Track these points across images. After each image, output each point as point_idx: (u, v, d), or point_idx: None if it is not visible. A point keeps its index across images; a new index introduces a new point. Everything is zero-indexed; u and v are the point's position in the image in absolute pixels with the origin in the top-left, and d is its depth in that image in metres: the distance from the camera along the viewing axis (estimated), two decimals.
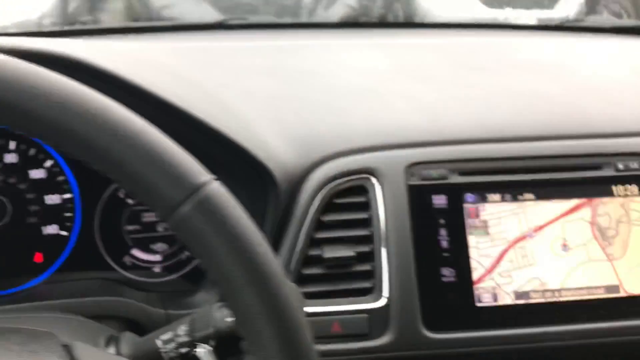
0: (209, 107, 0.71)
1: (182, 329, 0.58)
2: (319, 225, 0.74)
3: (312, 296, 0.72)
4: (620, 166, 0.78)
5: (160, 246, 0.79)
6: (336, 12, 1.52)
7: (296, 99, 0.86)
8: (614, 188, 0.78)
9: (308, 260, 0.73)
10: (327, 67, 0.99)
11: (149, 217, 0.78)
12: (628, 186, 0.78)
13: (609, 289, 0.75)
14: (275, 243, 0.72)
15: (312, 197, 0.74)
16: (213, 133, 0.64)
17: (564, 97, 0.90)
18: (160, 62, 0.82)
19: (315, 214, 0.73)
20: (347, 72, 0.98)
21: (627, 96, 0.91)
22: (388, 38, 1.17)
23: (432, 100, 0.87)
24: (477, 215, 0.76)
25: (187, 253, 0.78)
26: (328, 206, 0.74)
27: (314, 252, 0.73)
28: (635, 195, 0.78)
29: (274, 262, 0.39)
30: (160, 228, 0.79)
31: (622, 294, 0.75)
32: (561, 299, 0.74)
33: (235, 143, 0.65)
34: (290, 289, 0.39)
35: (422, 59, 1.06)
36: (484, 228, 0.75)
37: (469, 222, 0.75)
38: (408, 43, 1.14)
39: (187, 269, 0.79)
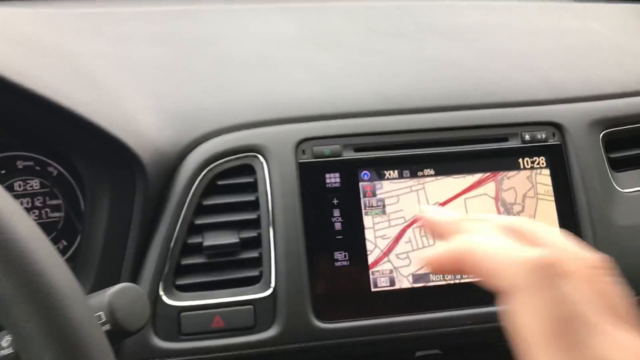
0: (67, 81, 0.63)
1: None
2: (199, 209, 0.67)
3: (192, 288, 0.65)
4: (527, 137, 0.73)
5: None
6: None
7: (183, 69, 0.78)
8: (520, 161, 0.73)
9: (187, 249, 0.66)
10: (225, 35, 0.91)
11: None
12: (535, 158, 0.73)
13: None
14: (150, 231, 0.65)
15: (192, 179, 0.67)
16: (61, 111, 0.56)
17: (474, 64, 0.84)
18: (21, 31, 0.73)
19: (194, 198, 0.67)
20: (246, 39, 0.90)
21: (541, 62, 0.86)
22: (298, 1, 1.08)
23: (333, 70, 0.80)
24: (373, 194, 0.70)
25: None
26: (210, 188, 0.68)
27: (194, 239, 0.66)
28: (542, 168, 0.73)
29: (57, 271, 0.32)
30: None
31: None
32: (462, 281, 0.69)
33: (89, 122, 0.57)
34: (79, 302, 0.33)
35: (331, 24, 0.99)
36: (381, 207, 0.70)
37: (364, 201, 0.70)
38: (319, 6, 1.06)
39: None
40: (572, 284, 0.32)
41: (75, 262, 0.66)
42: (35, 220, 0.69)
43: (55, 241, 0.71)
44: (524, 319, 0.32)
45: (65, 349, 0.30)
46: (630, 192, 0.76)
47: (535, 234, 0.37)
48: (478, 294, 0.68)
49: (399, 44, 0.92)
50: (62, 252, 0.71)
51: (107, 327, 0.43)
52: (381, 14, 1.07)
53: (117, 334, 0.44)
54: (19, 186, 0.70)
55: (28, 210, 0.68)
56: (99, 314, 0.43)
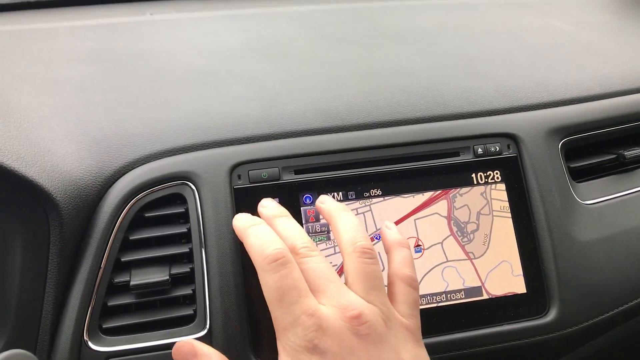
0: None
1: None
2: (126, 244, 0.62)
3: (120, 331, 0.60)
4: (480, 150, 0.69)
5: None
6: None
7: (113, 90, 0.73)
8: (473, 176, 0.68)
9: (114, 289, 0.61)
10: (165, 47, 0.85)
11: None
12: (490, 172, 0.69)
13: (470, 292, 0.66)
14: (72, 271, 0.60)
15: (117, 212, 0.62)
16: None
17: (425, 72, 0.79)
18: None
19: (120, 232, 0.61)
20: (190, 52, 0.85)
21: (497, 67, 0.82)
22: (250, 7, 1.03)
23: (274, 85, 0.75)
24: (316, 219, 0.65)
25: None
26: (137, 221, 0.62)
27: (120, 278, 0.61)
28: (497, 182, 0.69)
29: None
30: None
31: (484, 296, 0.66)
32: None
33: None
34: None
35: (281, 32, 0.94)
36: (325, 233, 0.65)
37: (307, 227, 0.65)
38: (270, 12, 1.01)
39: None
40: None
41: None
42: None
43: None
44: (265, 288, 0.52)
45: None
46: (591, 203, 0.72)
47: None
48: (435, 320, 0.63)
49: (349, 51, 0.87)
50: None
51: None
52: (335, 18, 1.02)
53: None
54: None
55: None
56: None
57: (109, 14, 0.95)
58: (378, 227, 0.66)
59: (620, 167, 0.77)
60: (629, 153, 0.75)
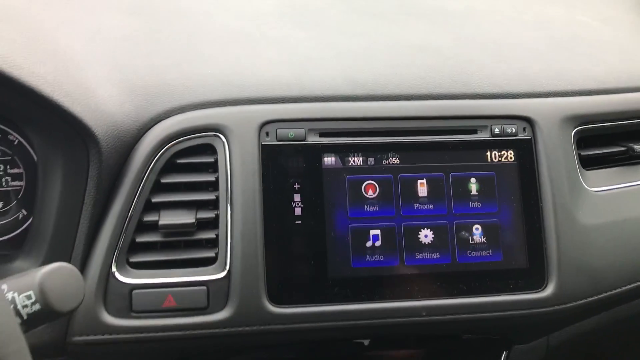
0: (23, 49, 0.61)
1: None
2: (157, 187, 0.66)
3: (145, 266, 0.65)
4: (497, 130, 0.72)
5: None
6: None
7: (152, 42, 0.77)
8: (488, 154, 0.72)
9: (143, 227, 0.65)
10: (202, 8, 0.88)
11: None
12: (504, 152, 0.72)
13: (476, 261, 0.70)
14: (105, 207, 0.64)
15: (151, 156, 0.66)
16: (10, 81, 0.54)
17: (452, 51, 0.82)
18: None
19: (152, 175, 0.66)
20: (224, 14, 0.88)
21: (520, 53, 0.84)
22: None
23: (306, 51, 0.79)
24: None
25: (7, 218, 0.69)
26: (169, 166, 0.66)
27: (150, 217, 0.65)
28: (510, 162, 0.72)
29: None
30: None
31: (487, 267, 0.70)
32: (418, 272, 0.69)
33: (39, 93, 0.56)
34: None
35: (314, 2, 0.96)
36: None
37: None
38: None
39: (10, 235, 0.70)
40: None
41: (29, 235, 0.66)
42: None
43: (16, 210, 0.70)
44: None
45: None
46: (598, 191, 0.75)
47: None
48: (432, 286, 0.68)
49: (379, 25, 0.90)
50: (22, 221, 0.70)
51: (37, 307, 0.43)
52: None
53: (47, 314, 0.43)
54: None
55: None
56: (29, 293, 0.42)
57: None
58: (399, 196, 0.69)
59: (630, 159, 0.80)
60: (639, 147, 0.78)
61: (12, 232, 0.70)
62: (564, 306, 0.71)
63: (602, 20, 1.05)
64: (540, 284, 0.70)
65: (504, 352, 0.76)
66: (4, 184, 0.71)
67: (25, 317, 0.43)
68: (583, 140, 0.79)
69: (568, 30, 0.97)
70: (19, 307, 0.43)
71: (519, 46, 0.87)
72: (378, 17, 0.94)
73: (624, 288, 0.74)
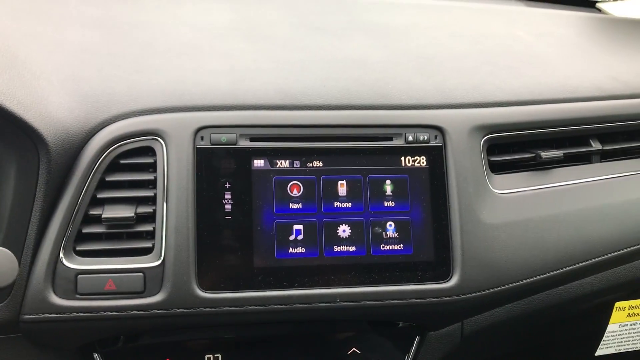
0: None
1: None
2: (102, 184, 0.74)
3: (90, 254, 0.73)
4: (410, 138, 0.80)
5: None
6: None
7: (107, 54, 0.85)
8: (402, 159, 0.80)
9: (88, 219, 0.74)
10: (158, 20, 0.97)
11: None
12: (417, 157, 0.80)
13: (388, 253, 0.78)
14: (55, 201, 0.73)
15: (97, 156, 0.74)
16: None
17: (380, 65, 0.91)
18: None
19: (98, 173, 0.74)
20: (178, 26, 0.96)
21: (444, 67, 0.93)
22: None
23: (247, 63, 0.87)
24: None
25: None
26: (113, 166, 0.75)
27: (95, 211, 0.74)
28: (422, 167, 0.80)
29: None
30: None
31: (398, 260, 0.78)
32: (339, 263, 0.77)
33: None
34: None
35: (266, 16, 1.05)
36: None
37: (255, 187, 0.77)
38: None
39: None
40: None
41: None
42: None
43: None
44: None
45: None
46: (504, 193, 0.84)
47: None
48: (348, 275, 0.76)
49: (322, 39, 0.99)
50: None
51: None
52: (320, 8, 1.13)
53: None
54: None
55: None
56: None
57: None
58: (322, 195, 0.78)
59: (539, 165, 0.88)
60: (545, 154, 0.86)
61: None
62: (467, 296, 0.79)
63: (537, 34, 1.13)
64: (445, 276, 0.79)
65: (417, 338, 0.84)
66: None
67: None
68: (496, 147, 0.87)
69: (501, 45, 1.06)
70: None
71: (447, 61, 0.95)
72: (323, 32, 1.02)
73: (524, 281, 0.82)
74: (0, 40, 0.79)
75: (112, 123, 0.76)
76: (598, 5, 1.46)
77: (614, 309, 0.96)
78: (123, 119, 0.76)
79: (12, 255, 0.54)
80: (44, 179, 0.71)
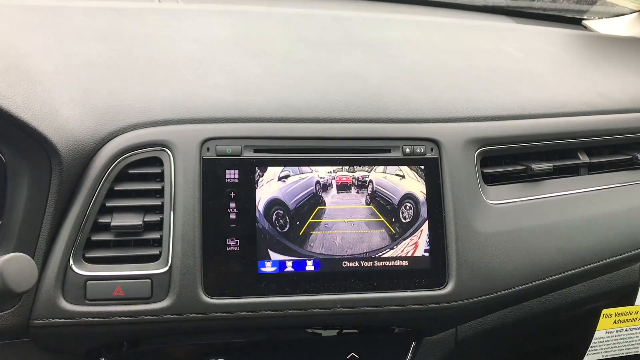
0: None
1: None
2: (111, 193, 0.77)
3: (99, 261, 0.76)
4: (407, 150, 0.84)
5: None
6: None
7: (115, 67, 0.88)
8: (401, 169, 0.84)
9: (97, 227, 0.76)
10: (164, 34, 1.00)
11: None
12: (414, 167, 0.84)
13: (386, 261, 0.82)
14: (65, 210, 0.75)
15: (107, 166, 0.77)
16: None
17: (379, 80, 0.94)
18: None
19: (107, 182, 0.77)
20: (182, 41, 0.99)
21: (440, 81, 0.97)
22: (242, 5, 1.18)
23: (250, 77, 0.90)
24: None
25: None
26: (122, 175, 0.78)
27: (103, 219, 0.76)
28: (419, 177, 0.84)
29: None
30: None
31: (396, 267, 0.81)
32: (340, 270, 0.80)
33: (9, 113, 0.67)
34: None
35: (266, 31, 1.08)
36: None
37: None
38: (260, 11, 1.15)
39: None
40: None
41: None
42: None
43: None
44: None
45: None
46: (496, 203, 0.87)
47: None
48: (348, 282, 0.79)
49: (321, 54, 1.02)
50: None
51: None
52: (317, 24, 1.17)
53: (4, 293, 0.54)
54: None
55: None
56: None
57: None
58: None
59: (529, 177, 0.92)
60: (536, 166, 0.90)
61: None
62: (462, 302, 0.82)
63: (527, 51, 1.18)
64: (441, 283, 0.82)
65: (413, 343, 0.87)
66: None
67: None
68: (489, 159, 0.91)
69: (493, 61, 1.10)
70: None
71: (442, 75, 0.99)
72: (321, 47, 1.05)
73: (518, 288, 0.86)
74: (13, 54, 0.82)
75: (121, 134, 0.78)
76: (584, 22, 1.52)
77: (601, 315, 1.00)
78: (131, 130, 0.79)
79: (33, 261, 0.56)
80: (55, 188, 0.73)
